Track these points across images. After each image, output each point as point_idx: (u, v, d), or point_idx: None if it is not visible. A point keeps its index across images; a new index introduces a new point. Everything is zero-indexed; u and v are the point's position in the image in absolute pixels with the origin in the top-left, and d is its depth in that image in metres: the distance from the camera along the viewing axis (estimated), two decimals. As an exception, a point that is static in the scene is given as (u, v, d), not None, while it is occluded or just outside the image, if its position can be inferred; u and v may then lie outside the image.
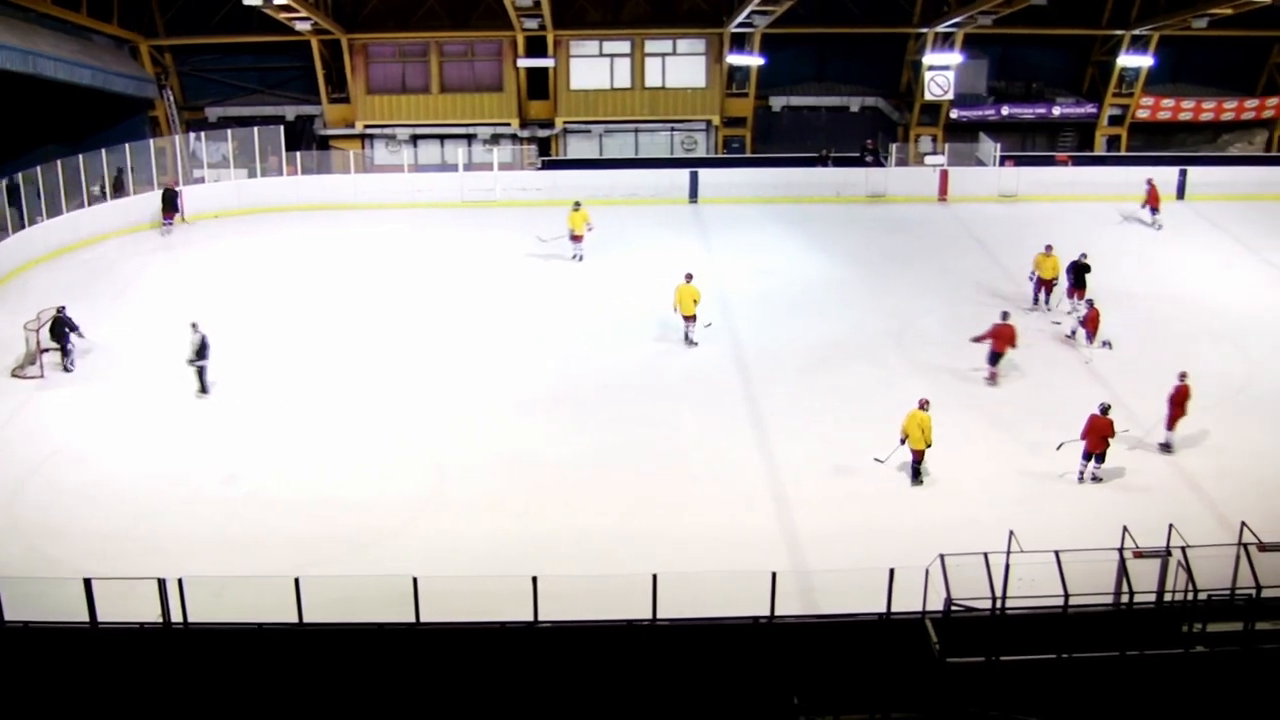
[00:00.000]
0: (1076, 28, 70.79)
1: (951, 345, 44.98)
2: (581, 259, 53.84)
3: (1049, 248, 48.72)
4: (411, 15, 67.94)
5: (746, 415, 39.90)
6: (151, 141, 61.82)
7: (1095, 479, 36.14)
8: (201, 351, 40.91)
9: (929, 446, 35.76)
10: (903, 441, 36.01)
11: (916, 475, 36.13)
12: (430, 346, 45.19)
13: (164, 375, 41.93)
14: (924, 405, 36.01)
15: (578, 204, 54.05)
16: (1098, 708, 27.65)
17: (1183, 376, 37.84)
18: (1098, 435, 35.76)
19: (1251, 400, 41.16)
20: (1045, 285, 48.62)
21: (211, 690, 27.40)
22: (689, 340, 45.89)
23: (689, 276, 46.10)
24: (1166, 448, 37.87)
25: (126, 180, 59.99)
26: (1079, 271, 47.81)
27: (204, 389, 41.13)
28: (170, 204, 59.03)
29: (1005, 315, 43.45)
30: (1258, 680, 28.32)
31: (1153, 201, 61.49)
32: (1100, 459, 36.02)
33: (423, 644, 27.20)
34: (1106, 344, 44.65)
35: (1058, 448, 36.56)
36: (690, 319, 45.76)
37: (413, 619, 26.97)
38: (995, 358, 42.77)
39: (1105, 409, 35.86)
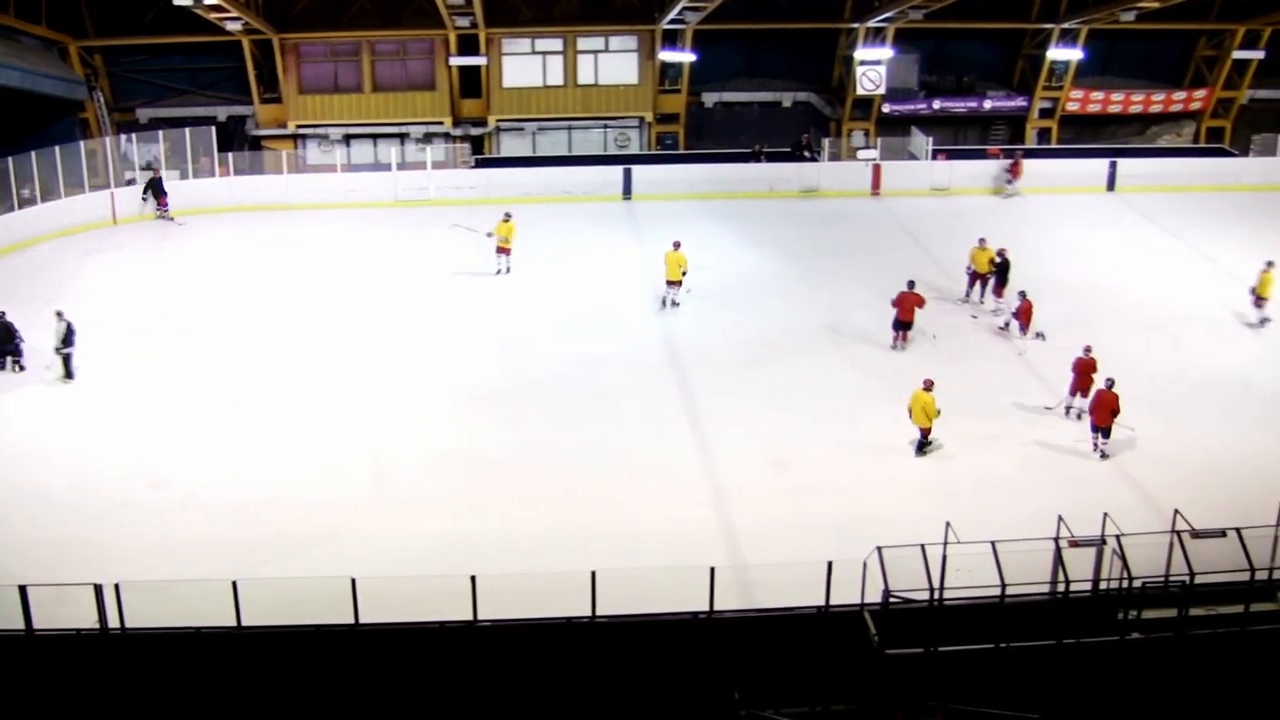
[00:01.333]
0: (1006, 22, 71.26)
1: (887, 338, 45.21)
2: (509, 271, 52.27)
3: (982, 241, 49.01)
4: (343, 14, 67.65)
5: (683, 411, 39.98)
6: (82, 143, 61.24)
7: (1103, 455, 37.10)
8: (67, 339, 41.38)
9: (931, 423, 37.06)
10: (910, 416, 37.29)
11: (921, 449, 37.26)
12: (366, 347, 44.98)
13: (98, 380, 41.69)
14: (928, 386, 37.03)
15: (508, 215, 52.55)
16: (1036, 696, 27.86)
17: (1087, 350, 39.46)
18: (1105, 409, 36.82)
19: (1184, 390, 41.52)
20: (979, 278, 48.88)
21: (151, 696, 27.30)
22: (672, 303, 48.99)
23: (676, 245, 49.37)
24: (1070, 412, 39.58)
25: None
26: (1000, 269, 48.18)
27: (69, 374, 41.63)
28: (159, 191, 59.56)
29: (911, 285, 45.28)
30: (1192, 666, 28.64)
31: (1015, 173, 64.72)
32: (1106, 433, 37.00)
33: (362, 645, 27.17)
34: (1040, 335, 44.95)
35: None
36: (675, 284, 48.93)
37: (352, 620, 26.92)
38: (899, 324, 44.85)
39: (1111, 383, 36.97)
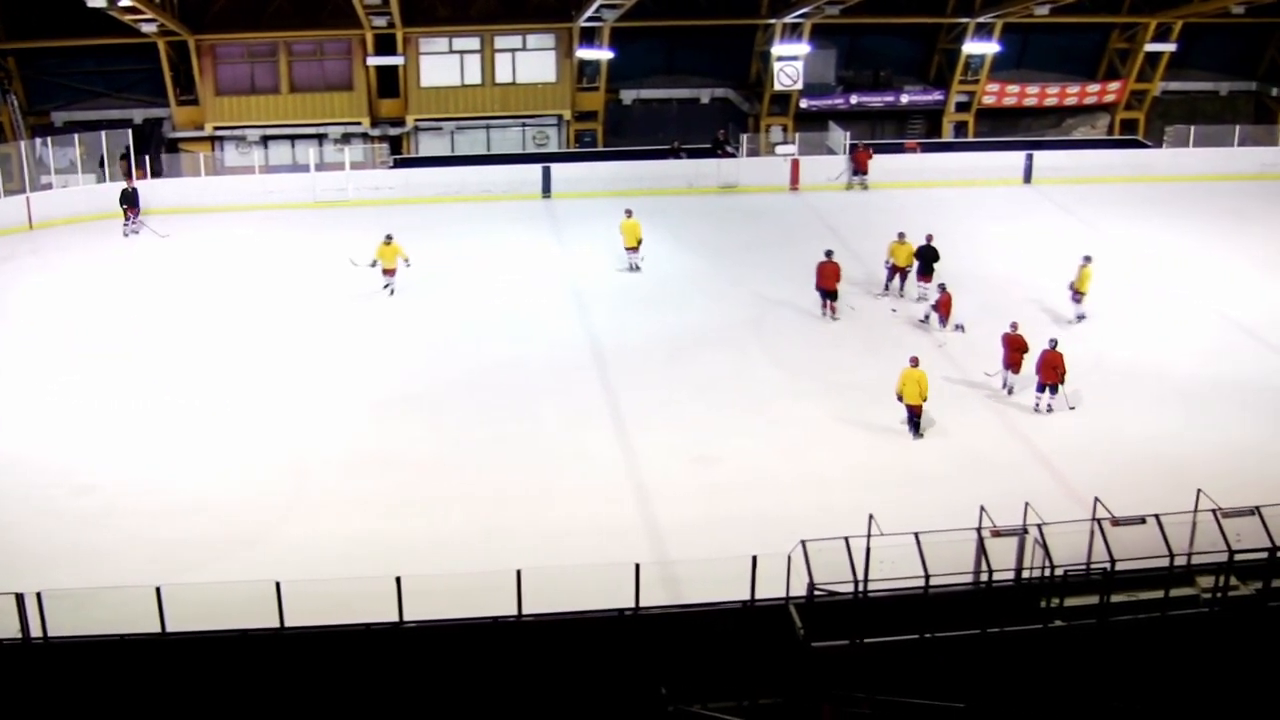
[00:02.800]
0: (922, 16, 71.58)
1: (808, 333, 45.52)
2: (393, 293, 50.17)
3: (901, 235, 49.32)
4: (259, 15, 67.14)
5: (606, 408, 40.03)
6: (-4, 148, 60.72)
7: (1049, 408, 39.38)
8: None
9: (925, 400, 38.00)
10: (900, 399, 38.24)
11: (916, 429, 38.31)
12: (287, 349, 44.77)
13: (15, 384, 41.40)
14: (915, 363, 38.32)
15: (389, 237, 50.21)
16: (961, 685, 28.07)
17: (1014, 326, 40.87)
18: (1050, 368, 39.28)
19: (1101, 379, 41.90)
20: (899, 272, 49.17)
21: (75, 706, 27.09)
22: (634, 267, 53.10)
23: (629, 212, 53.67)
24: (1007, 389, 41.06)
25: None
26: (926, 256, 48.66)
27: None
28: (131, 202, 58.13)
29: (829, 254, 47.26)
30: (1114, 652, 28.94)
31: (861, 165, 65.68)
32: (1054, 390, 39.61)
33: (287, 648, 27.04)
34: (959, 327, 45.30)
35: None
36: (632, 250, 53.02)
37: (277, 624, 26.81)
38: (824, 294, 47.15)
39: (1054, 343, 39.64)
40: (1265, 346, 45.27)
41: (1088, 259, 47.26)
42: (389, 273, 49.85)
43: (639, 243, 53.04)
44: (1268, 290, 50.96)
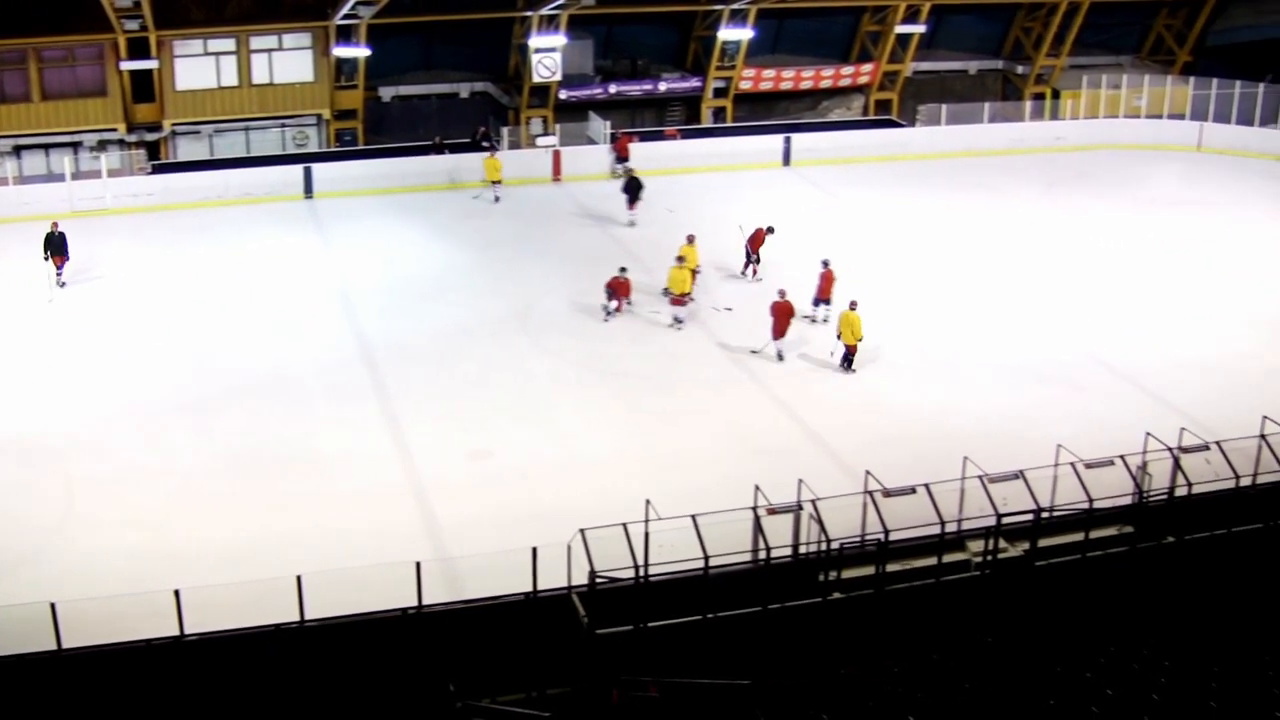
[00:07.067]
0: (677, 4, 72.30)
1: (576, 323, 45.72)
2: None
3: (691, 238, 49.25)
4: (6, 22, 65.35)
5: (378, 408, 39.82)
6: None
7: (781, 356, 42.70)
8: None
9: (859, 341, 41.74)
10: (839, 337, 42.04)
11: (849, 364, 42.10)
12: (47, 362, 43.69)
13: None
14: (854, 306, 41.79)
15: None
16: (746, 662, 28.47)
17: (782, 294, 42.76)
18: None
19: (866, 355, 42.70)
20: (693, 273, 48.39)
21: None
22: (495, 199, 62.17)
23: (494, 150, 64.43)
24: (780, 357, 42.75)
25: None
26: (629, 188, 54.49)
27: None
28: (59, 249, 51.44)
29: (771, 227, 51.12)
30: (893, 619, 29.63)
31: (622, 151, 65.85)
32: (827, 303, 45.32)
33: (66, 670, 26.50)
34: (679, 321, 46.08)
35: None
36: (496, 183, 62.33)
37: (54, 646, 26.28)
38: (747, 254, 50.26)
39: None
40: (1019, 317, 46.65)
41: (681, 260, 47.05)
42: None
43: (500, 178, 62.21)
44: (1019, 263, 52.46)
